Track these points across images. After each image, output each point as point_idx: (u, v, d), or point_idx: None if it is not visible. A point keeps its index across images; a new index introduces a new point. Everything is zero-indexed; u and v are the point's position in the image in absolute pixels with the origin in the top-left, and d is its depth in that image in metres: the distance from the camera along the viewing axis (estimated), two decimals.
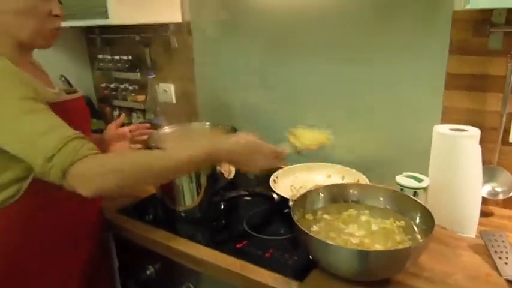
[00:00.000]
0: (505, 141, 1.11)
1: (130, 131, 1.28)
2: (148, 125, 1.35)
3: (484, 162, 1.08)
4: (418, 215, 0.91)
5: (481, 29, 1.06)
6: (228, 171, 1.20)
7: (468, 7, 0.79)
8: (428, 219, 0.86)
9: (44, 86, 0.94)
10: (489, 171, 1.12)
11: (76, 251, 1.06)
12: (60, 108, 0.89)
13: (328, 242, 0.82)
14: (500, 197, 1.11)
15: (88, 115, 1.13)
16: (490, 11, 1.04)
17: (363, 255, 0.79)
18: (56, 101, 0.93)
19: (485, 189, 1.12)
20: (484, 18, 1.05)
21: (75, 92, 1.10)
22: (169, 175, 0.94)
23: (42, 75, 1.04)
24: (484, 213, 1.12)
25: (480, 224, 1.05)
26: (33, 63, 1.03)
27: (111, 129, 1.27)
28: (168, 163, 0.87)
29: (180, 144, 0.99)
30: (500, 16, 1.03)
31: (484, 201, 1.13)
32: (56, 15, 0.93)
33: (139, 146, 1.33)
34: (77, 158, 0.77)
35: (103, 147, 1.23)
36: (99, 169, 0.80)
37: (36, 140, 0.78)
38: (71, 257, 1.05)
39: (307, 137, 1.09)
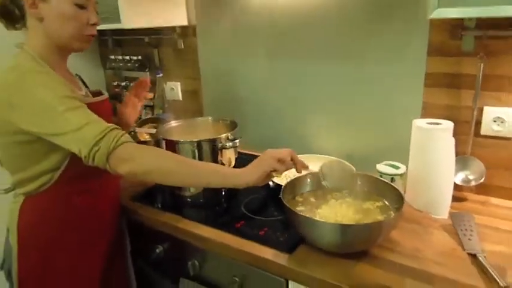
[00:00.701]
0: (477, 133, 1.23)
1: (135, 95, 1.40)
2: (147, 80, 1.43)
3: (458, 153, 1.21)
4: (392, 197, 1.04)
5: (455, 32, 1.18)
6: (228, 161, 1.34)
7: (431, 17, 0.91)
8: (399, 200, 0.99)
9: (74, 88, 1.07)
10: (463, 161, 1.24)
11: (100, 238, 1.20)
12: (89, 109, 1.01)
13: (313, 217, 0.95)
14: (473, 183, 1.23)
15: (111, 113, 1.25)
16: (461, 17, 1.16)
17: (342, 228, 0.92)
18: (87, 102, 1.03)
19: (459, 177, 1.24)
20: (457, 24, 1.17)
21: (101, 93, 1.23)
22: (189, 185, 1.15)
23: (73, 78, 1.17)
24: (459, 199, 1.25)
25: (454, 208, 1.18)
26: (68, 69, 1.16)
27: (122, 110, 1.39)
28: (196, 178, 0.99)
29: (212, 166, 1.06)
30: (471, 21, 1.15)
31: (459, 187, 1.26)
32: (93, 24, 1.06)
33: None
34: (118, 144, 0.91)
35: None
36: (139, 155, 0.94)
37: (82, 131, 0.91)
38: (98, 243, 1.19)
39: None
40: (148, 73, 2.00)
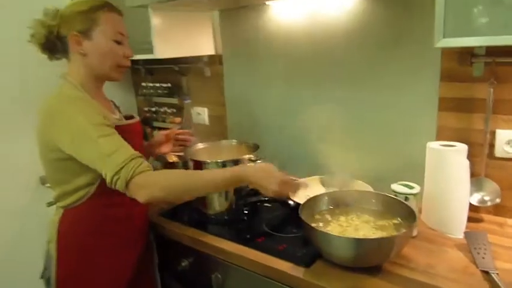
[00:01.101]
0: (491, 155, 1.27)
1: (177, 134, 1.51)
2: (191, 132, 1.57)
3: (473, 175, 1.25)
4: (406, 215, 1.09)
5: (465, 59, 1.24)
6: None
7: (437, 46, 0.98)
8: (413, 217, 1.04)
9: (109, 112, 1.20)
10: (478, 182, 1.28)
11: (131, 249, 1.29)
12: (121, 130, 1.14)
13: (329, 232, 1.01)
14: (488, 204, 1.26)
15: (141, 134, 1.37)
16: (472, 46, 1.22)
17: (356, 242, 0.98)
18: (118, 124, 1.17)
19: (475, 198, 1.27)
20: (467, 51, 1.24)
21: (132, 117, 1.35)
22: (205, 192, 1.18)
23: (108, 103, 1.30)
24: (476, 219, 1.28)
25: (470, 228, 1.21)
26: (104, 95, 1.30)
27: (161, 134, 1.51)
28: (205, 183, 1.08)
29: (215, 169, 1.22)
30: (481, 49, 1.21)
31: (476, 209, 1.29)
32: (127, 56, 1.21)
33: (179, 152, 1.57)
34: (137, 173, 1.02)
35: (150, 150, 1.48)
36: (153, 182, 1.04)
37: (108, 158, 1.02)
38: (128, 251, 1.28)
39: None
40: (176, 99, 2.13)
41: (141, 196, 1.03)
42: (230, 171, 1.09)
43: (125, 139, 1.11)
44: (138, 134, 1.32)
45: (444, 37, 0.97)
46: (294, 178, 1.19)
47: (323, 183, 1.44)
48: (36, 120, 1.15)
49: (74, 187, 1.15)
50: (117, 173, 1.01)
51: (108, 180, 1.03)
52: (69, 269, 1.19)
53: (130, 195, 1.04)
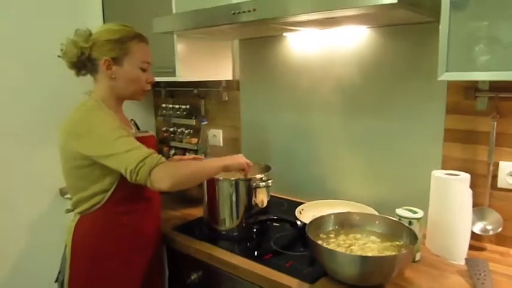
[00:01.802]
0: (494, 186, 1.31)
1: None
2: (202, 157, 1.67)
3: (476, 204, 1.30)
4: (409, 238, 1.13)
5: (470, 93, 1.31)
6: (261, 202, 1.48)
7: (440, 79, 1.06)
8: (415, 240, 1.08)
9: (126, 126, 1.30)
10: (481, 212, 1.32)
11: (143, 255, 1.35)
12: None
13: (333, 249, 1.07)
14: (491, 233, 1.29)
15: (156, 148, 1.46)
16: (476, 80, 1.29)
17: (360, 260, 1.03)
18: (134, 136, 1.26)
19: (478, 227, 1.31)
20: (472, 86, 1.31)
21: (147, 132, 1.46)
22: (206, 177, 1.34)
23: (126, 121, 1.40)
24: (478, 248, 1.32)
25: (473, 256, 1.24)
26: (123, 112, 1.40)
27: (175, 159, 1.59)
28: (210, 169, 1.27)
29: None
30: (484, 84, 1.28)
31: (479, 238, 1.33)
32: (150, 82, 1.32)
33: None
34: (160, 162, 1.13)
35: None
36: (176, 170, 1.17)
37: (130, 153, 1.13)
38: (139, 259, 1.34)
39: None
40: (194, 120, 2.22)
41: (166, 183, 1.12)
42: (218, 161, 1.31)
43: None
44: (153, 147, 1.41)
45: (447, 71, 1.04)
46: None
47: None
48: (58, 132, 1.25)
49: (90, 193, 1.24)
50: (142, 160, 1.11)
51: (131, 168, 1.11)
52: (80, 272, 1.26)
53: (151, 183, 1.12)
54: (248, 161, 1.39)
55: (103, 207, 1.24)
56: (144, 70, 1.30)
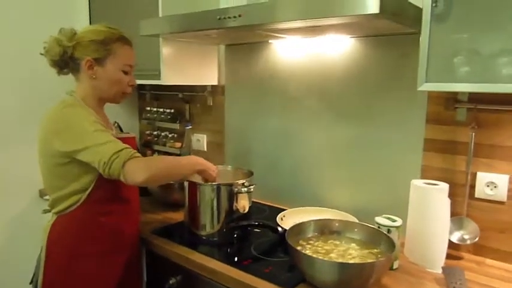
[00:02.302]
0: (472, 196, 1.33)
1: None
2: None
3: (455, 213, 1.32)
4: (387, 245, 1.14)
5: (449, 104, 1.34)
6: (243, 207, 1.48)
7: (419, 89, 1.08)
8: (393, 248, 1.09)
9: (103, 123, 1.28)
10: (458, 221, 1.34)
11: (120, 257, 1.33)
12: None
13: (312, 255, 1.07)
14: (468, 242, 1.31)
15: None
16: (456, 92, 1.32)
17: (338, 266, 1.03)
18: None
19: (456, 236, 1.33)
20: (451, 97, 1.33)
21: (128, 134, 1.45)
22: (181, 173, 1.31)
23: (107, 121, 1.39)
24: (456, 257, 1.33)
25: (450, 265, 1.26)
26: (104, 113, 1.39)
27: None
28: (185, 166, 1.30)
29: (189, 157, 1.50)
30: (464, 95, 1.31)
31: (457, 247, 1.35)
32: (131, 85, 1.32)
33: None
34: (133, 156, 1.12)
35: None
36: (149, 164, 1.15)
37: (105, 145, 1.12)
38: (116, 261, 1.32)
39: None
40: (178, 124, 2.22)
41: (140, 176, 1.11)
42: (193, 157, 1.38)
43: None
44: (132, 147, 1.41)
45: (426, 81, 1.06)
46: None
47: None
48: (38, 129, 1.24)
49: (68, 192, 1.22)
50: (116, 153, 1.11)
51: (105, 159, 1.11)
52: (54, 275, 1.24)
53: (124, 176, 1.11)
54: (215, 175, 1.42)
55: (81, 207, 1.22)
56: (126, 73, 1.30)
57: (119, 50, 1.27)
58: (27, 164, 1.90)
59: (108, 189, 1.23)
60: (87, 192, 1.22)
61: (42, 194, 2.01)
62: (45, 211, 1.33)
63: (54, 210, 1.27)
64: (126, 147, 1.14)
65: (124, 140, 1.33)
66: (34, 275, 1.29)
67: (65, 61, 1.27)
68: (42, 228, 1.29)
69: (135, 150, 1.16)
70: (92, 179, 1.21)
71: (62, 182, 1.21)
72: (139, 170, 1.11)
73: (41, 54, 1.27)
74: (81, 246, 1.25)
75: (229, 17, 1.27)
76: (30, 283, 1.30)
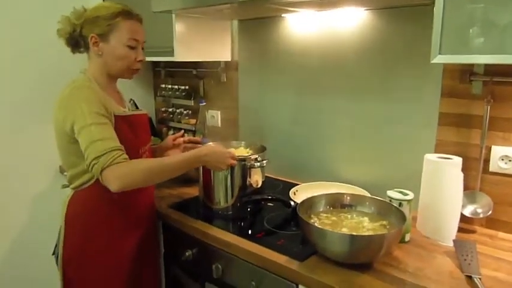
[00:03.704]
0: (485, 170, 1.32)
1: (184, 142, 1.61)
2: (199, 139, 1.68)
3: (468, 187, 1.32)
4: (398, 218, 1.15)
5: (465, 77, 1.31)
6: (256, 182, 1.50)
7: (432, 62, 1.06)
8: (404, 221, 1.10)
9: (116, 105, 1.31)
10: (472, 195, 1.33)
11: (135, 231, 1.38)
12: (125, 120, 1.28)
13: (324, 228, 1.09)
14: (481, 216, 1.31)
15: (147, 127, 1.47)
16: (472, 64, 1.29)
17: (349, 238, 1.05)
18: (123, 114, 1.30)
19: (468, 210, 1.33)
20: (467, 69, 1.31)
21: (141, 110, 1.47)
22: (173, 174, 1.26)
23: (119, 98, 1.40)
24: (468, 231, 1.34)
25: (463, 238, 1.27)
26: (116, 89, 1.41)
27: (170, 139, 1.61)
28: (171, 167, 1.24)
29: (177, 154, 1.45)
30: (479, 67, 1.28)
31: (469, 221, 1.35)
32: (140, 60, 1.32)
33: None
34: (113, 163, 1.12)
35: (158, 154, 1.57)
36: (126, 171, 1.14)
37: (94, 143, 1.13)
38: (131, 235, 1.37)
39: None
40: (192, 101, 2.24)
41: (114, 185, 1.12)
42: (188, 153, 1.29)
43: (131, 128, 1.28)
44: (144, 124, 1.43)
45: (440, 53, 1.04)
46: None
47: None
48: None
49: (82, 169, 1.25)
50: (96, 158, 1.12)
51: (87, 162, 1.14)
52: (73, 248, 1.30)
53: (102, 182, 1.14)
54: (233, 160, 1.38)
55: (95, 184, 1.25)
56: (132, 48, 1.29)
57: (122, 24, 1.27)
58: (47, 141, 1.95)
59: None
60: None
61: (62, 170, 2.07)
62: (64, 186, 1.38)
63: (71, 186, 1.31)
64: (110, 151, 1.13)
65: (136, 117, 1.35)
66: (56, 246, 1.35)
67: (75, 39, 1.30)
68: (62, 202, 1.34)
69: (119, 154, 1.14)
70: None
71: (76, 159, 1.24)
72: (113, 180, 1.12)
73: (57, 32, 1.29)
74: (97, 221, 1.29)
75: None
76: (53, 254, 1.37)
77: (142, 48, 1.35)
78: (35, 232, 2.07)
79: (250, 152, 1.62)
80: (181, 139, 1.61)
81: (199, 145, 1.63)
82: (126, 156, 1.16)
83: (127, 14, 1.28)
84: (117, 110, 1.28)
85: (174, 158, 1.27)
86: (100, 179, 1.14)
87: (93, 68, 1.31)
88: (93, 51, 1.28)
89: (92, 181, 1.26)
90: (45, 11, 1.94)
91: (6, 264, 2.01)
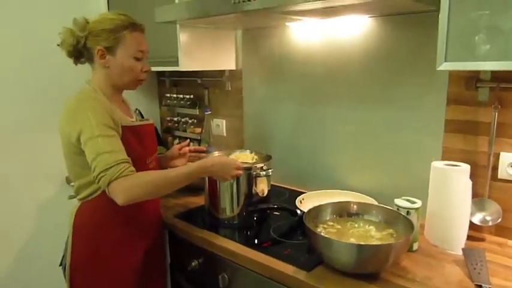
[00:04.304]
0: (494, 177, 1.31)
1: (190, 151, 1.61)
2: (204, 148, 1.68)
3: (476, 195, 1.30)
4: (406, 227, 1.14)
5: (471, 84, 1.30)
6: (262, 191, 1.49)
7: (438, 69, 1.05)
8: (411, 229, 1.09)
9: (124, 115, 1.31)
10: (480, 203, 1.32)
11: (141, 241, 1.37)
12: (132, 131, 1.29)
13: (330, 237, 1.08)
14: (490, 224, 1.29)
15: (154, 136, 1.47)
16: (478, 71, 1.28)
17: (357, 247, 1.04)
18: (130, 125, 1.30)
19: (477, 218, 1.31)
20: (473, 76, 1.30)
21: (147, 120, 1.47)
22: (177, 185, 1.25)
23: (125, 108, 1.41)
24: (477, 239, 1.32)
25: (472, 246, 1.25)
26: (123, 99, 1.42)
27: (176, 148, 1.60)
28: (175, 179, 1.23)
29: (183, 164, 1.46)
30: (486, 74, 1.27)
31: (478, 229, 1.33)
32: (145, 71, 1.33)
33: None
34: (121, 176, 1.12)
35: (164, 163, 1.57)
36: (133, 184, 1.14)
37: (101, 156, 1.13)
38: (138, 245, 1.36)
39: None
40: (197, 110, 2.24)
41: (120, 199, 1.13)
42: (194, 165, 1.28)
43: (138, 138, 1.28)
44: (151, 134, 1.44)
45: (446, 61, 1.04)
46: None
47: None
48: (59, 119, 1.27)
49: (88, 180, 1.25)
50: (104, 170, 1.12)
51: (94, 174, 1.14)
52: (80, 258, 1.29)
53: (109, 195, 1.14)
54: (239, 171, 1.37)
55: (101, 195, 1.25)
56: (138, 59, 1.30)
57: (129, 37, 1.27)
58: (53, 151, 1.95)
59: None
60: None
61: (68, 180, 2.08)
62: (71, 197, 1.39)
63: (78, 197, 1.31)
64: (117, 164, 1.13)
65: (142, 127, 1.36)
66: (63, 257, 1.35)
67: (79, 51, 1.30)
68: (69, 213, 1.34)
69: (126, 167, 1.14)
70: None
71: (82, 170, 1.24)
72: (119, 193, 1.12)
73: (58, 45, 1.30)
74: (104, 233, 1.29)
75: (243, 1, 1.26)
76: (60, 265, 1.36)
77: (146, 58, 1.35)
78: (41, 242, 2.07)
79: (256, 158, 1.62)
80: (187, 148, 1.61)
81: (204, 154, 1.63)
82: (133, 169, 1.16)
83: (133, 25, 1.29)
84: (125, 121, 1.28)
85: (180, 170, 1.26)
86: (107, 191, 1.14)
87: (98, 79, 1.31)
88: (99, 64, 1.28)
89: (99, 192, 1.26)
90: (48, 19, 1.95)
91: (12, 274, 2.01)
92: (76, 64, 1.35)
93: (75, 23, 1.28)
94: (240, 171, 1.38)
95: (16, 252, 2.02)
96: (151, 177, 1.20)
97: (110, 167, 1.12)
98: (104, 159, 1.13)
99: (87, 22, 1.28)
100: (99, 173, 1.12)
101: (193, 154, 1.61)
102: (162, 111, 2.55)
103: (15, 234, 2.00)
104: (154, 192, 1.22)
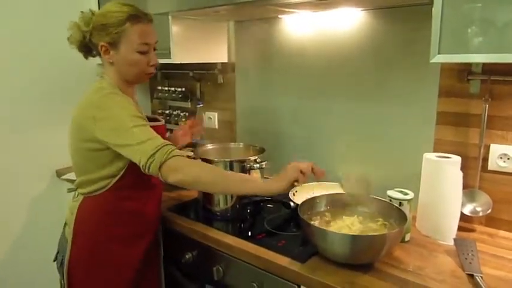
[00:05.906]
0: (484, 168, 1.33)
1: (190, 127, 1.62)
2: (200, 119, 1.69)
3: (467, 186, 1.32)
4: (399, 218, 1.15)
5: (463, 77, 1.32)
6: None
7: (432, 61, 1.06)
8: (404, 220, 1.11)
9: (142, 115, 1.28)
10: (471, 194, 1.34)
11: (142, 239, 1.36)
12: None
13: (324, 228, 1.09)
14: (480, 214, 1.32)
15: (164, 137, 1.43)
16: (469, 63, 1.30)
17: (350, 238, 1.05)
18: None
19: (468, 208, 1.33)
20: (465, 69, 1.31)
21: (156, 120, 1.45)
22: (232, 191, 1.26)
23: (137, 103, 1.37)
24: (468, 229, 1.34)
25: (463, 237, 1.27)
26: (134, 94, 1.38)
27: (178, 130, 1.63)
28: (236, 184, 1.17)
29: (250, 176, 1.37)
30: (477, 66, 1.29)
31: (469, 219, 1.36)
32: (152, 65, 1.29)
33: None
34: (170, 156, 1.11)
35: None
36: (185, 167, 1.13)
37: (143, 144, 1.12)
38: (138, 243, 1.35)
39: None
40: (189, 103, 2.23)
41: (172, 177, 1.12)
42: (262, 186, 1.18)
43: None
44: (162, 136, 1.41)
45: (439, 53, 1.04)
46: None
47: (343, 188, 1.52)
48: (73, 111, 1.24)
49: (97, 177, 1.24)
50: (152, 155, 1.10)
51: (142, 163, 1.11)
52: (81, 253, 1.28)
53: (162, 177, 1.13)
54: (304, 169, 1.18)
55: (107, 192, 1.24)
56: (143, 53, 1.24)
57: (131, 30, 1.21)
58: (44, 145, 1.94)
59: (136, 175, 1.22)
60: (116, 178, 1.24)
61: (59, 174, 2.06)
62: (70, 190, 1.36)
63: (80, 191, 1.29)
64: (162, 146, 1.12)
65: (155, 129, 1.33)
66: (58, 252, 1.33)
67: (86, 46, 1.27)
68: (60, 207, 1.32)
69: (171, 148, 1.13)
70: (122, 166, 1.22)
71: (93, 166, 1.23)
72: (172, 172, 1.11)
73: (68, 39, 1.27)
74: (106, 229, 1.28)
75: None
76: (54, 260, 1.35)
77: (155, 49, 1.30)
78: (32, 238, 2.05)
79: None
80: (187, 126, 1.62)
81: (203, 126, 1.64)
82: (180, 151, 1.16)
83: (135, 17, 1.22)
84: (143, 117, 1.25)
85: (246, 181, 1.22)
86: (160, 176, 1.12)
87: (110, 74, 1.27)
88: (104, 59, 1.26)
89: (105, 189, 1.24)
90: (47, 11, 1.92)
91: (3, 269, 1.99)
92: (87, 58, 1.32)
93: (81, 16, 1.24)
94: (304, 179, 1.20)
95: (6, 248, 1.99)
96: (209, 169, 1.19)
97: (157, 151, 1.11)
98: (145, 146, 1.11)
99: (93, 14, 1.24)
100: (147, 160, 1.10)
101: (194, 129, 1.64)
102: (153, 104, 2.53)
103: (4, 230, 1.98)
104: (207, 185, 1.18)
